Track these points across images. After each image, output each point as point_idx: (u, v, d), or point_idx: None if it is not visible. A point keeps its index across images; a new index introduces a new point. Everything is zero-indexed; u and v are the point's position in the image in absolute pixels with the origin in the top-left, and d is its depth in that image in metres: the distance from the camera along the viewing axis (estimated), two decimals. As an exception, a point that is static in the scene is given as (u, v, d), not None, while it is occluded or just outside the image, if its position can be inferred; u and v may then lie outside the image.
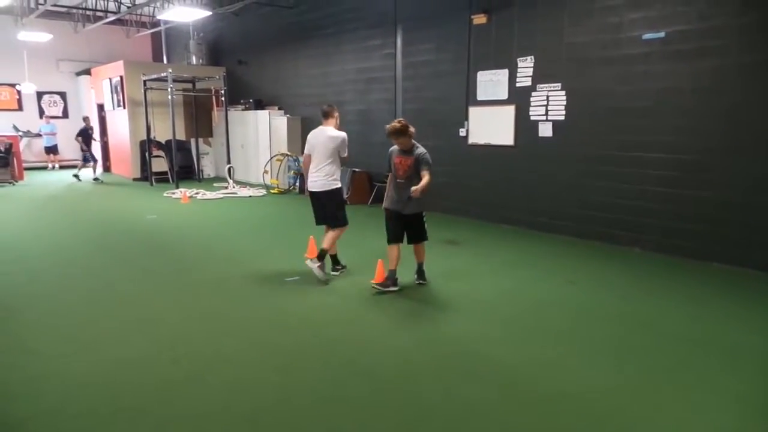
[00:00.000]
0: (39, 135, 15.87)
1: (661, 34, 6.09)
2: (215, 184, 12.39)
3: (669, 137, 6.17)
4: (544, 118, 7.37)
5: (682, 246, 6.12)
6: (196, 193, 11.22)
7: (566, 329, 4.16)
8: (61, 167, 16.28)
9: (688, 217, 6.07)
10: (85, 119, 13.53)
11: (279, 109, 12.59)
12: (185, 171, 13.31)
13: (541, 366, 3.53)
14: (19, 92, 15.75)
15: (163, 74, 11.97)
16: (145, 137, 12.80)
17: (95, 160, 13.35)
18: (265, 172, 12.15)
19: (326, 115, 5.57)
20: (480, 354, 3.72)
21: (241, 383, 3.29)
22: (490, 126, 8.08)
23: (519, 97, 7.64)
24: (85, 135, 12.97)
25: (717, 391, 3.21)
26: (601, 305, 4.68)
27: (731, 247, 5.76)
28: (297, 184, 11.63)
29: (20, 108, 15.94)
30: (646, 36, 6.21)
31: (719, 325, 4.25)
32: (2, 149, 12.70)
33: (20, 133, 15.22)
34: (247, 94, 13.53)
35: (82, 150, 13.10)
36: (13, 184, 12.58)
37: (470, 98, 8.33)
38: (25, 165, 14.01)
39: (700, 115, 5.91)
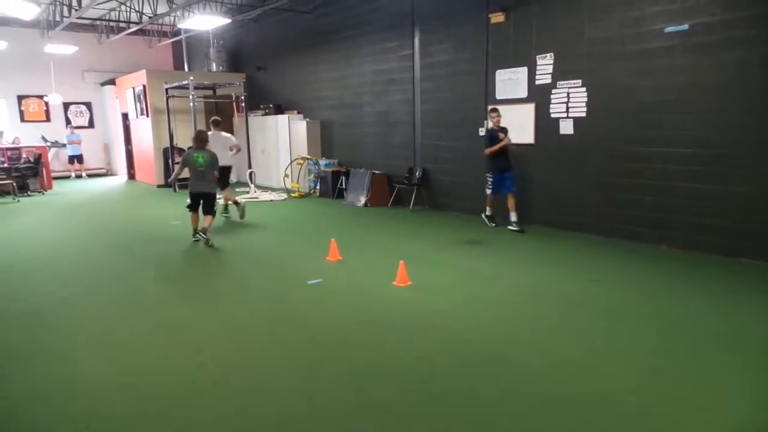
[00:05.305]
0: (65, 145, 16.26)
1: (685, 27, 5.97)
2: (237, 189, 12.53)
3: (694, 132, 6.04)
4: (564, 115, 7.28)
5: (710, 242, 5.99)
6: (219, 199, 11.32)
7: (592, 328, 4.10)
8: (89, 176, 16.67)
9: (715, 213, 5.94)
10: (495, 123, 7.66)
11: (298, 113, 12.69)
12: (208, 177, 13.44)
13: (567, 366, 3.48)
14: (46, 103, 16.16)
15: (184, 82, 12.16)
16: (168, 145, 13.01)
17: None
18: (286, 176, 12.24)
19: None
20: (504, 355, 3.68)
21: (266, 387, 3.32)
22: (509, 125, 8.00)
23: (539, 95, 7.57)
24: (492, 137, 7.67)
25: (749, 390, 3.13)
26: (627, 304, 4.60)
27: (760, 242, 5.61)
28: (317, 187, 11.70)
29: (48, 119, 16.34)
30: (669, 29, 6.10)
31: (750, 323, 4.14)
32: (32, 159, 13.04)
33: (48, 144, 15.60)
34: (266, 99, 13.66)
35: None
36: (43, 193, 12.90)
37: (489, 97, 8.28)
38: (53, 174, 14.36)
39: (725, 109, 5.77)
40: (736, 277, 5.27)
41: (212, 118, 9.35)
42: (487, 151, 7.51)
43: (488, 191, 7.71)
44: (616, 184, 6.82)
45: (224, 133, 9.19)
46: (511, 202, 7.53)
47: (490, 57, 8.19)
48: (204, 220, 7.15)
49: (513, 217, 7.53)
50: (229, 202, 9.02)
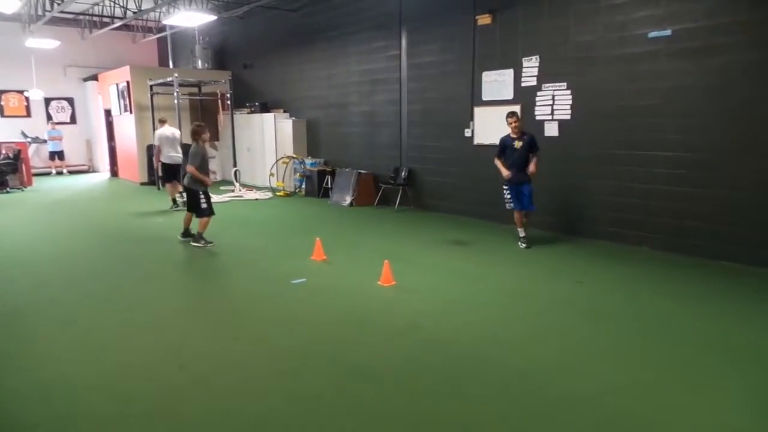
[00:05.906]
0: (46, 141, 15.99)
1: (668, 32, 6.05)
2: (222, 188, 12.43)
3: (677, 135, 6.12)
4: (549, 117, 7.34)
5: (692, 245, 6.08)
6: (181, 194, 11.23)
7: (574, 330, 4.14)
8: (70, 172, 16.41)
9: (697, 216, 6.03)
10: None
11: (284, 111, 12.63)
12: (192, 175, 13.32)
13: (549, 368, 3.51)
14: (27, 99, 15.88)
15: (169, 79, 12.03)
16: (151, 142, 12.86)
17: None
18: (271, 174, 12.18)
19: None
20: (488, 355, 3.70)
21: (249, 387, 3.29)
22: (495, 126, 8.03)
23: (524, 97, 7.61)
24: (504, 146, 6.79)
25: (728, 391, 3.18)
26: (609, 305, 4.65)
27: (741, 245, 5.71)
28: (303, 186, 11.66)
29: (28, 114, 16.06)
30: (652, 34, 6.18)
31: (730, 324, 4.21)
32: (11, 155, 12.81)
33: (29, 140, 15.34)
34: (252, 98, 13.57)
35: None
36: (22, 190, 12.68)
37: (475, 98, 8.31)
38: (33, 171, 14.11)
39: (708, 113, 5.86)
40: (717, 279, 5.35)
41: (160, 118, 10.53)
42: (496, 161, 6.72)
43: (508, 207, 6.72)
44: (599, 186, 6.89)
45: (171, 130, 9.97)
46: (524, 218, 6.72)
47: (477, 58, 8.22)
48: (198, 224, 6.85)
49: (521, 233, 6.67)
50: (176, 196, 9.68)
